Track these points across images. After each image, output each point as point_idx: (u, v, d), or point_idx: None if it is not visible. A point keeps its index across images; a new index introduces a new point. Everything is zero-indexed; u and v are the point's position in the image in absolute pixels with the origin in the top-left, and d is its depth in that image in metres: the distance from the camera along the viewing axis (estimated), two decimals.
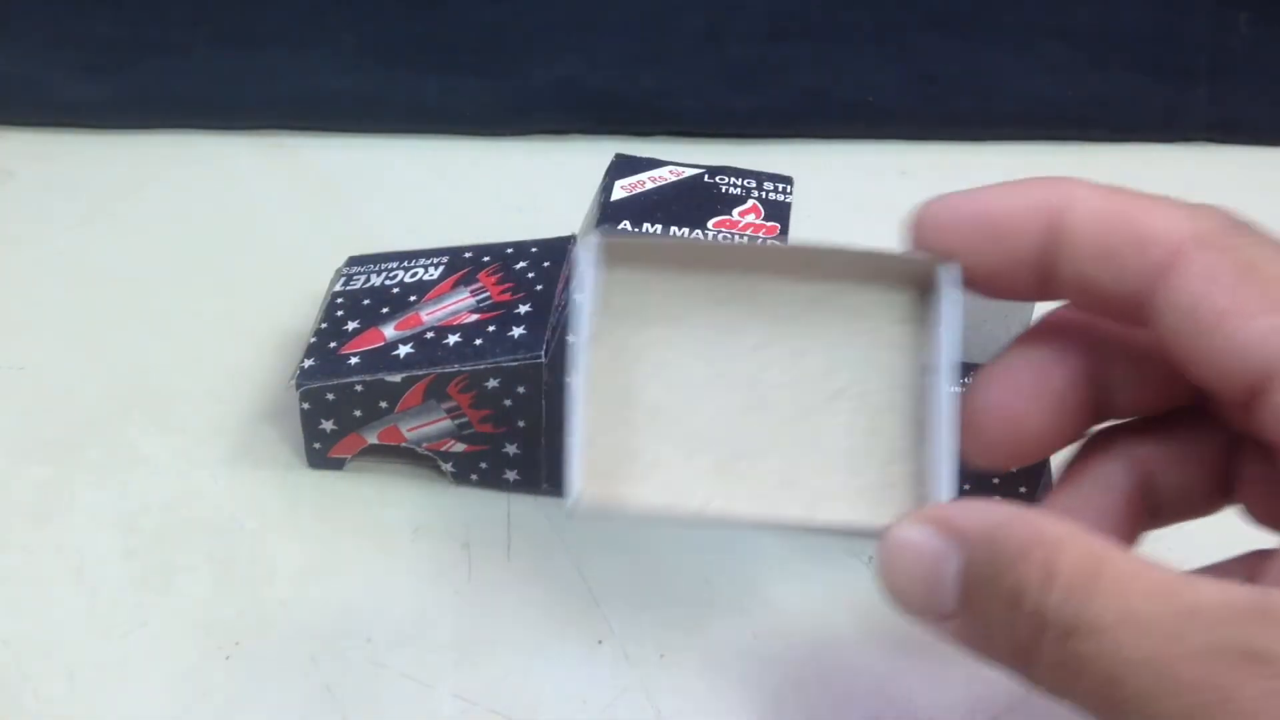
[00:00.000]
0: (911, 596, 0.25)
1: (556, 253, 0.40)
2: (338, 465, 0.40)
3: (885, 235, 0.55)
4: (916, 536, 0.25)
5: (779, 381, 0.27)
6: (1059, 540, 0.23)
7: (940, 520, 0.25)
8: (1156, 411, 0.28)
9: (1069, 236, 0.26)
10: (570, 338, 0.27)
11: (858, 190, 0.53)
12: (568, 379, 0.26)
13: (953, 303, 0.26)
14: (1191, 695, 0.21)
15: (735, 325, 0.28)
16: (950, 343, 0.26)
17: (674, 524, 0.30)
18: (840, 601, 0.38)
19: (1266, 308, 0.23)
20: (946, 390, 0.26)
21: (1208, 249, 0.24)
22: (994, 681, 0.36)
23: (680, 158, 0.39)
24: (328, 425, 0.39)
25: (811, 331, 0.28)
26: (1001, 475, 0.36)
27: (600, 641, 0.36)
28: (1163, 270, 0.25)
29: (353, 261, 0.43)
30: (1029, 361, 0.28)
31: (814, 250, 0.27)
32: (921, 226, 0.27)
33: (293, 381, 0.38)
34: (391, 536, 0.37)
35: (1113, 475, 0.28)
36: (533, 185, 0.53)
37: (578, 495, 0.25)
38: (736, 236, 0.36)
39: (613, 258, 0.27)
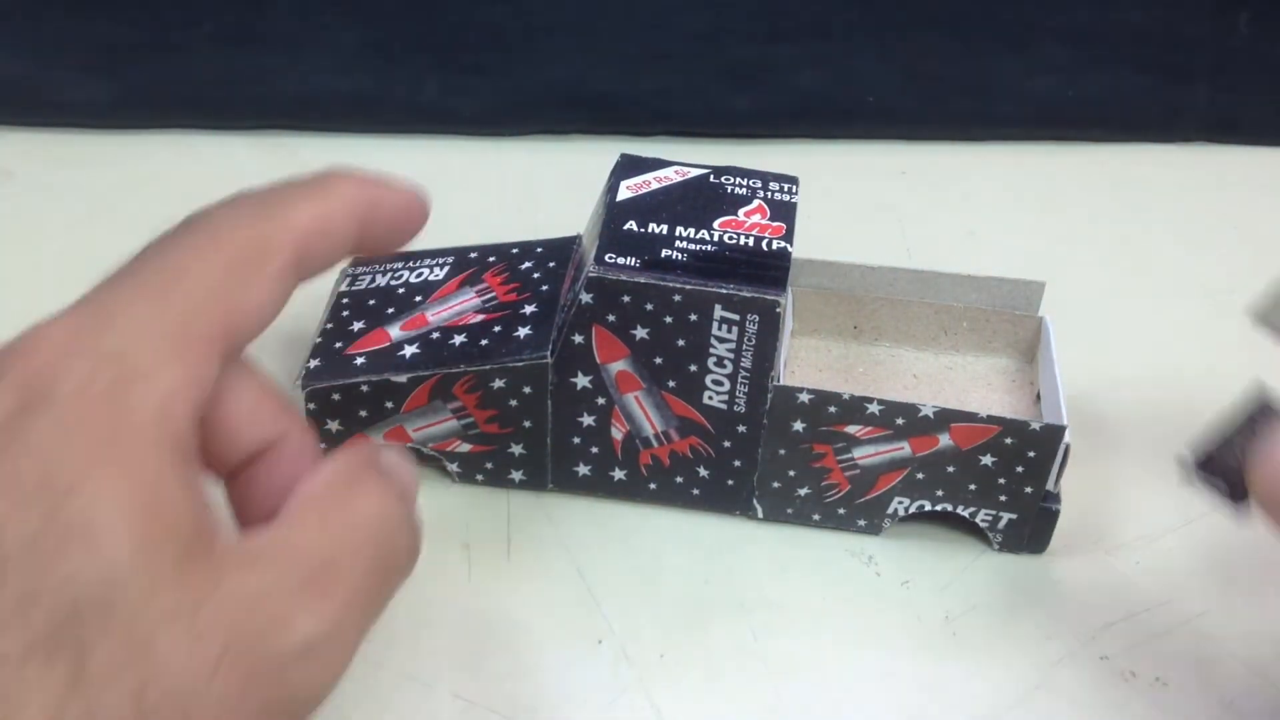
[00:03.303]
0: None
1: (562, 253, 0.40)
2: None
3: (885, 234, 0.55)
4: None
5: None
6: None
7: None
8: None
9: None
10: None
11: (858, 190, 0.53)
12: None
13: (1049, 346, 0.40)
14: None
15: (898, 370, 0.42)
16: (1047, 360, 0.40)
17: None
18: (840, 601, 0.38)
19: None
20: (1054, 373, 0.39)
21: None
22: (994, 681, 0.36)
23: (680, 158, 0.39)
24: (333, 426, 0.38)
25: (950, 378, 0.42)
26: (1012, 475, 0.37)
27: (600, 641, 0.36)
28: None
29: (358, 262, 0.43)
30: None
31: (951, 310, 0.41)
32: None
33: (298, 382, 0.38)
34: None
35: None
36: (533, 185, 0.53)
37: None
38: (743, 238, 0.36)
39: None
